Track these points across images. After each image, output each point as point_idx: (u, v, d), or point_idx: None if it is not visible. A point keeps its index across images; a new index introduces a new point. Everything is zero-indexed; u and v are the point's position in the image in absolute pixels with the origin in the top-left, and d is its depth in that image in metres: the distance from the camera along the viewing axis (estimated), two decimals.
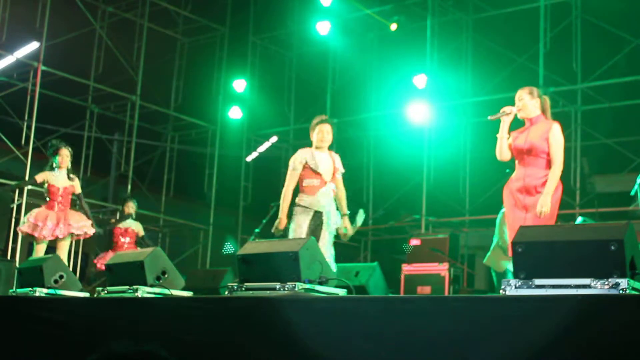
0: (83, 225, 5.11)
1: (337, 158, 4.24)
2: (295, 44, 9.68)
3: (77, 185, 5.19)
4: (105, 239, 6.69)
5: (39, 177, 5.09)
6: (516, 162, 3.49)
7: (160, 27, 9.20)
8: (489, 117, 3.54)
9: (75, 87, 8.35)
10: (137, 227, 6.31)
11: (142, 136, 8.86)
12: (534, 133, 3.42)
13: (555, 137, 3.37)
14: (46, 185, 5.07)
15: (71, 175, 5.15)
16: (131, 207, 6.31)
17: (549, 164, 3.39)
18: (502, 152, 3.47)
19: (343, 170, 4.23)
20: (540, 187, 3.35)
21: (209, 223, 9.22)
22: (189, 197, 9.96)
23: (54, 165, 5.08)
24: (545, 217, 3.27)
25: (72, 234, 5.07)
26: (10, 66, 7.87)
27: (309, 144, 4.31)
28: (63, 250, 5.04)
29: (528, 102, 3.45)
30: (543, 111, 3.49)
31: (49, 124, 7.94)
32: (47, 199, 5.07)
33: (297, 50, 9.76)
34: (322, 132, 4.17)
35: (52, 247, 5.11)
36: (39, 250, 5.02)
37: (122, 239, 6.17)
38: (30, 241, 7.59)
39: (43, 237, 4.98)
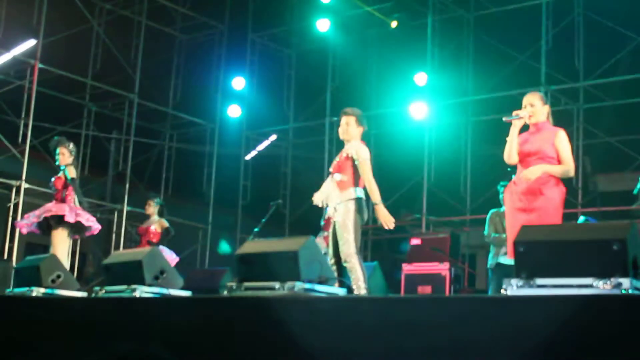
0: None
1: (350, 146, 3.97)
2: (295, 42, 9.64)
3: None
4: (103, 240, 6.65)
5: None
6: (519, 165, 3.48)
7: (158, 24, 9.15)
8: (504, 119, 3.53)
9: (72, 85, 8.32)
10: (157, 226, 6.30)
11: (140, 134, 8.82)
12: (540, 138, 3.46)
13: (563, 144, 3.43)
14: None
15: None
16: (151, 205, 6.29)
17: None
18: (512, 155, 3.46)
19: (356, 157, 3.91)
20: (545, 189, 3.37)
21: (207, 222, 9.19)
22: (187, 196, 9.92)
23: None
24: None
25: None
26: (7, 64, 7.83)
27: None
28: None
29: (539, 109, 3.48)
30: (548, 117, 3.53)
31: (46, 122, 7.90)
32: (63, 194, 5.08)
33: (296, 47, 9.72)
34: (340, 126, 4.05)
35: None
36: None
37: (145, 238, 6.20)
38: (27, 240, 7.56)
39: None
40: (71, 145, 5.19)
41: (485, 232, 5.11)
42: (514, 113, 3.47)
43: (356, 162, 3.92)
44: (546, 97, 3.52)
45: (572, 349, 1.91)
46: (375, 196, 3.85)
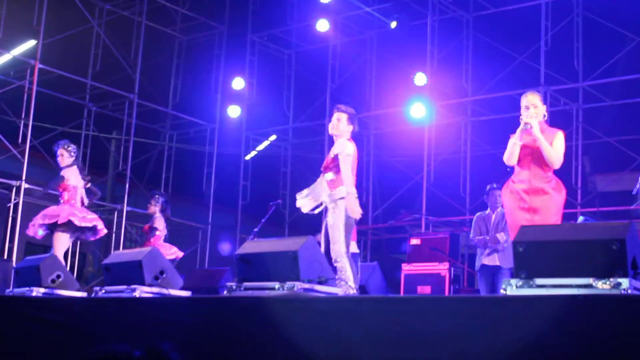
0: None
1: (338, 144, 3.94)
2: (295, 42, 9.65)
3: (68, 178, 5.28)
4: (102, 240, 6.62)
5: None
6: (516, 166, 3.50)
7: (158, 24, 9.16)
8: (511, 137, 3.50)
9: (72, 85, 8.32)
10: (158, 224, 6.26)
11: (140, 135, 8.83)
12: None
13: (559, 144, 3.46)
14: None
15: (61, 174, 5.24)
16: (152, 204, 6.26)
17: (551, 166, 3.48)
18: (513, 157, 3.48)
19: (341, 154, 3.86)
20: (547, 188, 3.40)
21: (207, 222, 9.19)
22: (187, 196, 9.94)
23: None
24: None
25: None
26: (7, 64, 7.84)
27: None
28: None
29: (541, 109, 3.50)
30: (544, 118, 3.56)
31: (46, 122, 7.91)
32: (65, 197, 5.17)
33: (296, 48, 9.73)
34: (331, 121, 4.04)
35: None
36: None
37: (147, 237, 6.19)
38: (27, 240, 7.56)
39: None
40: (70, 147, 5.23)
41: (471, 235, 5.14)
42: (524, 124, 3.45)
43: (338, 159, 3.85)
44: (544, 97, 3.56)
45: (571, 348, 1.92)
46: (349, 186, 3.76)
